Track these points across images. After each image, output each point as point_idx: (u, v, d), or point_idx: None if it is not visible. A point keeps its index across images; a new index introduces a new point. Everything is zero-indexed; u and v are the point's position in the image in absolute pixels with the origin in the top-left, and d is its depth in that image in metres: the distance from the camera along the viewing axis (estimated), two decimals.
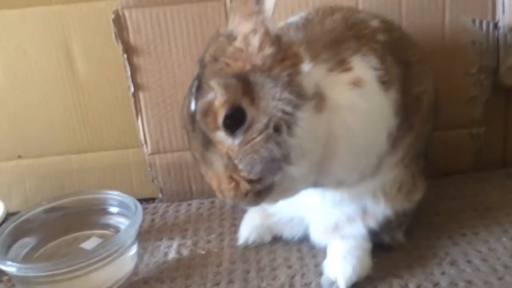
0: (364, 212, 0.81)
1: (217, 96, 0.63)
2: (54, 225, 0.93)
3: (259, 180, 0.65)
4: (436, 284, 0.78)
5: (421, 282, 0.78)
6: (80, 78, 1.10)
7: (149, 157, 1.12)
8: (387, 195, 0.80)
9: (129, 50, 1.06)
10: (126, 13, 1.04)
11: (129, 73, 1.06)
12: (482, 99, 1.07)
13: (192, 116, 0.67)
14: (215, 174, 0.67)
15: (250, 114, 0.64)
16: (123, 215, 0.93)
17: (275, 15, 0.66)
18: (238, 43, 0.66)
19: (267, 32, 0.65)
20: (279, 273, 0.83)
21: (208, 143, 0.66)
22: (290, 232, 0.91)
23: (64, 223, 0.94)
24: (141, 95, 1.08)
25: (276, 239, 0.92)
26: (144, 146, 1.11)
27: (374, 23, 0.79)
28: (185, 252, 0.92)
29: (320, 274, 0.82)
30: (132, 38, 1.05)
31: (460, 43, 1.04)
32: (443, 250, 0.86)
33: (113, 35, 1.04)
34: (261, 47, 0.65)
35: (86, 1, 1.05)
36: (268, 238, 0.92)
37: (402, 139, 0.77)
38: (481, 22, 1.03)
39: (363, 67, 0.71)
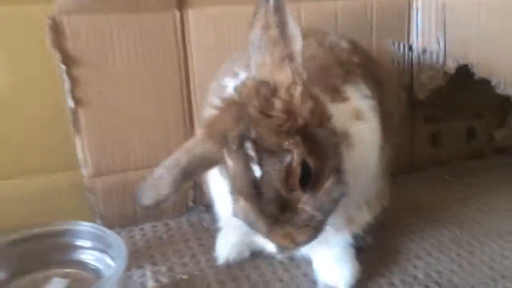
0: (349, 221, 0.86)
1: (294, 157, 0.61)
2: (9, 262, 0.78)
3: (326, 218, 0.66)
4: (415, 277, 0.87)
5: (402, 277, 0.87)
6: (0, 91, 0.93)
7: (88, 180, 1.00)
8: (369, 204, 0.87)
9: (67, 60, 0.94)
10: (64, 19, 0.92)
11: (68, 86, 0.94)
12: (399, 112, 1.22)
13: (258, 182, 0.62)
14: (290, 231, 0.64)
15: (313, 166, 0.63)
16: (95, 250, 0.82)
17: None
18: (283, 95, 0.63)
19: (305, 84, 0.64)
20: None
21: (283, 205, 0.63)
22: (270, 245, 0.91)
23: (22, 260, 0.78)
24: (81, 110, 0.97)
25: (255, 254, 0.91)
26: (84, 167, 0.99)
27: (344, 44, 0.84)
28: (164, 279, 0.85)
29: (313, 282, 0.84)
30: (71, 47, 0.94)
31: (385, 62, 1.17)
32: (405, 247, 0.96)
33: (49, 43, 0.91)
34: (303, 100, 0.63)
35: (14, 2, 0.90)
36: (247, 254, 0.91)
37: (383, 154, 0.84)
38: (399, 44, 1.18)
39: (358, 97, 0.76)
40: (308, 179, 0.63)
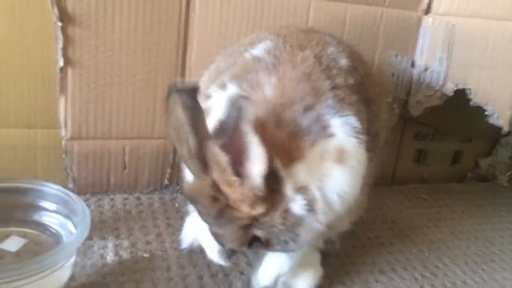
0: (330, 229, 0.85)
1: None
2: None
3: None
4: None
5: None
6: None
7: (66, 142, 0.98)
8: (350, 214, 0.86)
9: (65, 18, 0.91)
10: None
11: (60, 44, 0.92)
12: (390, 125, 1.21)
13: None
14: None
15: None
16: (59, 214, 0.80)
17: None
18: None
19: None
20: (233, 280, 0.83)
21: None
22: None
23: None
24: (70, 71, 0.94)
25: None
26: (63, 128, 0.97)
27: (343, 62, 0.79)
28: (124, 254, 0.85)
29: None
30: (71, 6, 0.91)
31: (384, 73, 1.16)
32: (370, 258, 0.96)
33: None
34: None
35: None
36: None
37: (366, 172, 0.83)
38: (402, 58, 1.17)
39: (346, 134, 0.71)
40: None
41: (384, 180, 1.29)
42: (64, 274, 0.74)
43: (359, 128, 0.72)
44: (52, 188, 0.80)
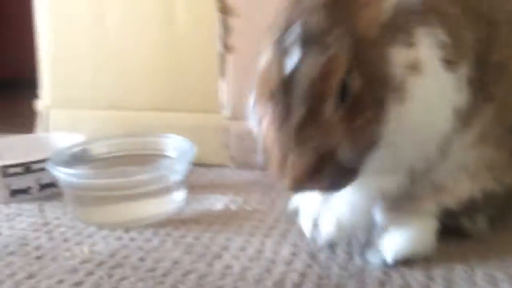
0: (439, 190, 0.68)
1: (338, 53, 0.54)
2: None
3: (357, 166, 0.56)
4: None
5: (493, 272, 0.63)
6: (178, 28, 1.12)
7: (225, 122, 1.10)
8: (472, 174, 0.67)
9: (225, 10, 1.06)
10: None
11: (221, 32, 1.07)
12: None
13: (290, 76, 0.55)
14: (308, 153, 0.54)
15: (355, 85, 0.55)
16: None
17: None
18: None
19: None
20: None
21: (311, 115, 0.54)
22: None
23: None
24: (229, 56, 1.08)
25: None
26: (223, 110, 1.09)
27: None
28: (232, 207, 0.87)
29: None
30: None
31: None
32: None
33: None
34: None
35: None
36: None
37: (478, 114, 0.64)
38: None
39: (427, 45, 0.59)
40: (346, 97, 0.54)
41: None
42: (175, 200, 0.84)
43: (448, 42, 0.59)
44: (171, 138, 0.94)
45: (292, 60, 0.54)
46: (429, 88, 0.58)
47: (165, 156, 0.93)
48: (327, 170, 0.54)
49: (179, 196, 0.85)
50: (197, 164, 1.03)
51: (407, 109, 0.56)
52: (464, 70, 0.61)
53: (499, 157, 0.68)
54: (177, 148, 0.91)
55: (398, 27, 0.58)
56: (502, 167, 0.68)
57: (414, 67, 0.57)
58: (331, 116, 0.54)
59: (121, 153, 0.95)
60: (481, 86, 0.63)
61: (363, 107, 0.54)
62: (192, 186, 0.93)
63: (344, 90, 0.54)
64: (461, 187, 0.67)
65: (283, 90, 0.55)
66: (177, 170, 0.83)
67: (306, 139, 0.54)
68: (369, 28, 0.56)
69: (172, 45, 1.13)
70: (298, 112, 0.54)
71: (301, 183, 0.54)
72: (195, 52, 1.12)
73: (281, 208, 0.85)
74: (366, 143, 0.55)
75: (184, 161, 0.83)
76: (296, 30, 0.56)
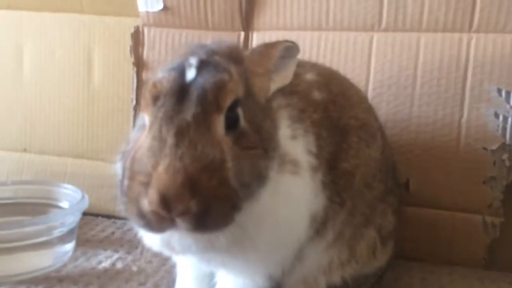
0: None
1: (232, 77, 0.55)
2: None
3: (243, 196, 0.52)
4: None
5: None
6: (95, 85, 1.14)
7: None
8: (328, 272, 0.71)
9: (140, 64, 1.08)
10: (145, 30, 1.08)
11: (135, 86, 1.08)
12: (502, 183, 0.91)
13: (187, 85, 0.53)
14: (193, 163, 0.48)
15: (244, 120, 0.55)
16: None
17: None
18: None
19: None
20: None
21: (198, 125, 0.51)
22: None
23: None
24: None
25: None
26: None
27: (310, 76, 0.71)
28: (119, 265, 0.85)
29: None
30: (145, 54, 1.08)
31: (481, 114, 0.91)
32: None
33: (128, 48, 1.08)
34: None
35: (114, 15, 1.11)
36: None
37: (333, 219, 0.67)
38: (508, 93, 0.90)
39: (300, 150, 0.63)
40: (235, 125, 0.54)
41: (506, 265, 0.93)
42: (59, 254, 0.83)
43: (314, 153, 0.64)
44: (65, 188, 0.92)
45: (189, 72, 0.54)
46: (299, 187, 0.61)
47: (56, 206, 0.91)
48: (212, 186, 0.48)
49: (62, 251, 0.83)
50: (105, 215, 1.03)
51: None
52: (319, 176, 0.64)
53: (360, 249, 0.71)
54: (68, 199, 0.90)
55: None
56: (363, 257, 0.71)
57: (294, 171, 0.60)
58: (219, 129, 0.52)
59: (13, 201, 0.93)
60: (334, 191, 0.66)
61: (252, 142, 0.55)
62: (87, 239, 0.92)
63: (235, 116, 0.54)
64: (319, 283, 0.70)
65: (174, 94, 0.52)
66: (63, 222, 0.81)
67: (190, 143, 0.49)
68: (260, 93, 0.59)
69: (88, 100, 1.14)
70: (186, 113, 0.51)
71: (174, 197, 0.46)
72: (111, 105, 1.13)
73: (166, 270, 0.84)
74: (253, 172, 0.53)
75: (73, 212, 0.82)
76: (195, 57, 0.56)
